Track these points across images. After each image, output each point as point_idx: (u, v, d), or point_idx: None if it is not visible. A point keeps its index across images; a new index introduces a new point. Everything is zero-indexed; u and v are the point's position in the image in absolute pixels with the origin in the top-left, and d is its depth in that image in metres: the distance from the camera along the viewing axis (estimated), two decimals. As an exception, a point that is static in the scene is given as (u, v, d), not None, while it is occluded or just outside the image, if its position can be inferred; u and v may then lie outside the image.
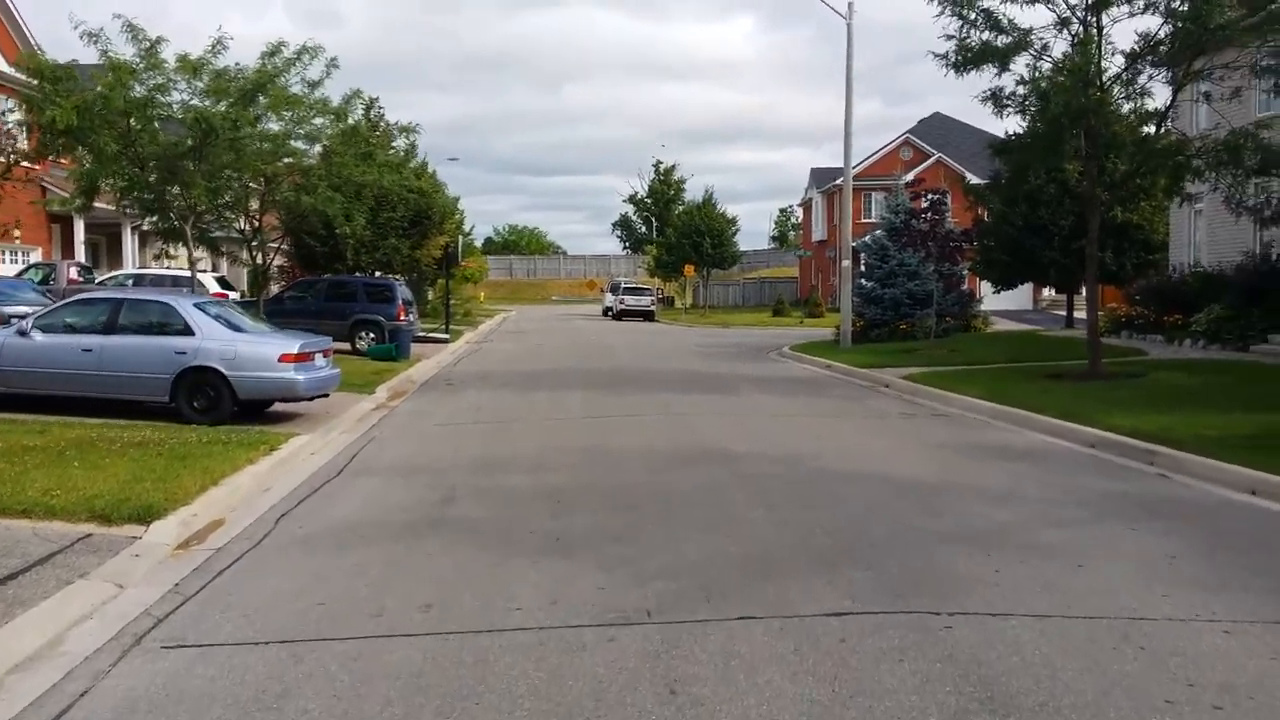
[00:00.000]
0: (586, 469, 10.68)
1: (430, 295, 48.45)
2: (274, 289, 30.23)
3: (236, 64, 19.00)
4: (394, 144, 39.60)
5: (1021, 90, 18.41)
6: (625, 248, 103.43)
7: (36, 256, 32.35)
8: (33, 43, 26.10)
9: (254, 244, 23.54)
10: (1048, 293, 57.08)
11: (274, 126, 21.31)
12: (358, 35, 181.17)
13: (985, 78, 18.55)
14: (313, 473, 10.76)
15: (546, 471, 10.58)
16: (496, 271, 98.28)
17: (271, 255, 24.55)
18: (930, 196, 26.51)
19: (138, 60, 17.94)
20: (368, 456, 11.77)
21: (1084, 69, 16.88)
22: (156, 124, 18.79)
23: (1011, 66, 18.36)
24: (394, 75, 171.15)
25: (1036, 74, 17.85)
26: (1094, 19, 17.82)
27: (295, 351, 13.48)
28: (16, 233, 31.43)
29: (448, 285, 37.53)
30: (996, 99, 18.63)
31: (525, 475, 10.39)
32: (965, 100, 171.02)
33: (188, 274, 30.97)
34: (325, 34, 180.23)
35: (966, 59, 18.39)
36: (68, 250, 33.71)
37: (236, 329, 13.89)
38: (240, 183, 21.79)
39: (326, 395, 14.75)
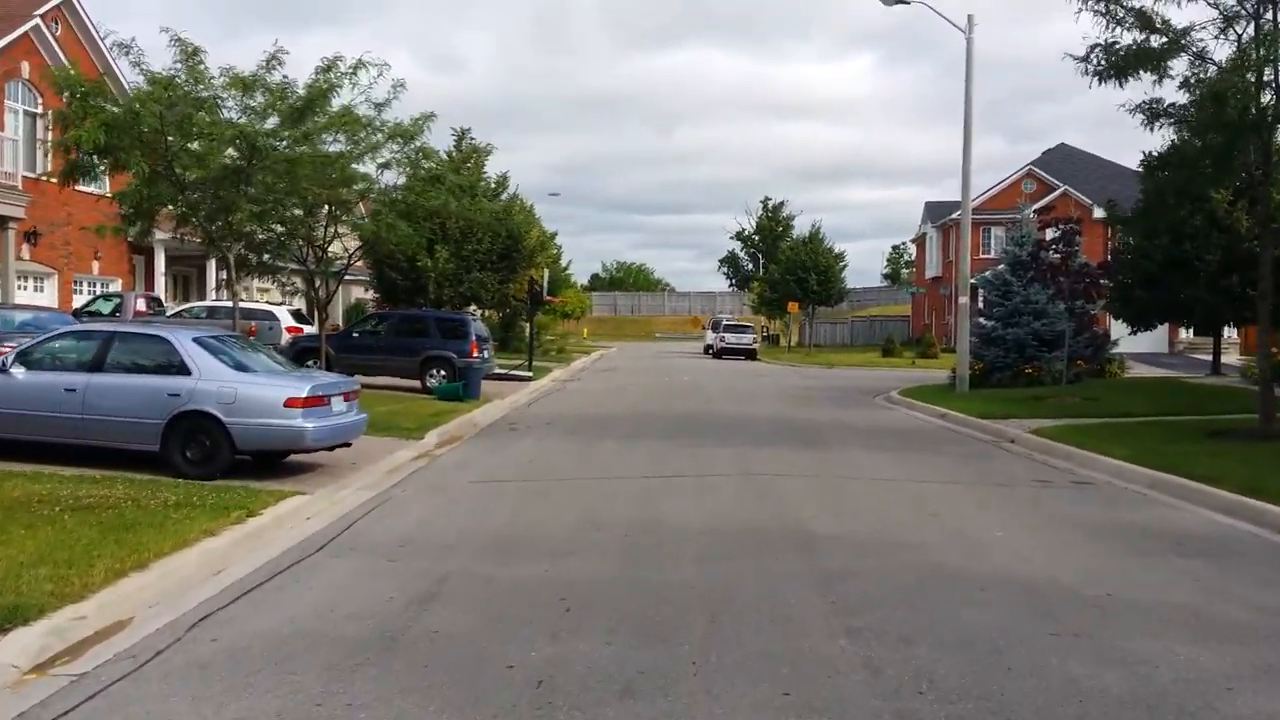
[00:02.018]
0: (623, 556, 8.28)
1: (527, 331, 46.93)
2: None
3: (284, 77, 17.31)
4: (485, 175, 38.36)
5: (1183, 98, 15.52)
6: (731, 284, 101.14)
7: (116, 288, 31.58)
8: (111, 61, 25.07)
9: (316, 274, 21.87)
10: (1185, 335, 52.70)
11: (334, 148, 19.69)
12: (479, 79, 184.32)
13: (1131, 87, 15.79)
14: (287, 549, 8.63)
15: (572, 557, 8.23)
16: (601, 307, 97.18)
17: (335, 286, 22.82)
18: (1062, 226, 23.48)
19: (177, 73, 16.37)
20: (366, 527, 9.60)
21: (1262, 67, 13.96)
22: (196, 144, 17.19)
23: (1169, 71, 15.54)
24: (514, 117, 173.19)
25: (1201, 77, 14.96)
26: (1271, 14, 14.90)
27: (304, 395, 11.45)
28: (94, 263, 30.91)
29: (531, 321, 35.64)
30: (1151, 110, 15.79)
31: (544, 562, 8.06)
32: (1092, 135, 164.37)
33: (266, 307, 30.04)
34: (449, 79, 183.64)
35: (1115, 63, 15.62)
36: (151, 283, 32.98)
37: (242, 369, 11.95)
38: (295, 208, 20.16)
39: (348, 445, 12.71)
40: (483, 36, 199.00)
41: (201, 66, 16.78)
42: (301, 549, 8.64)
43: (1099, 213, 45.82)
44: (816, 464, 13.92)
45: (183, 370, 11.55)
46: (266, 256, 21.26)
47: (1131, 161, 54.01)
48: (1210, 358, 40.93)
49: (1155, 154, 19.15)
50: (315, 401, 11.63)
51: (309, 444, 11.61)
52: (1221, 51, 15.79)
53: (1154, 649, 5.97)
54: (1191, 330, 52.22)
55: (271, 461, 12.26)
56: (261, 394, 11.49)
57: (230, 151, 17.31)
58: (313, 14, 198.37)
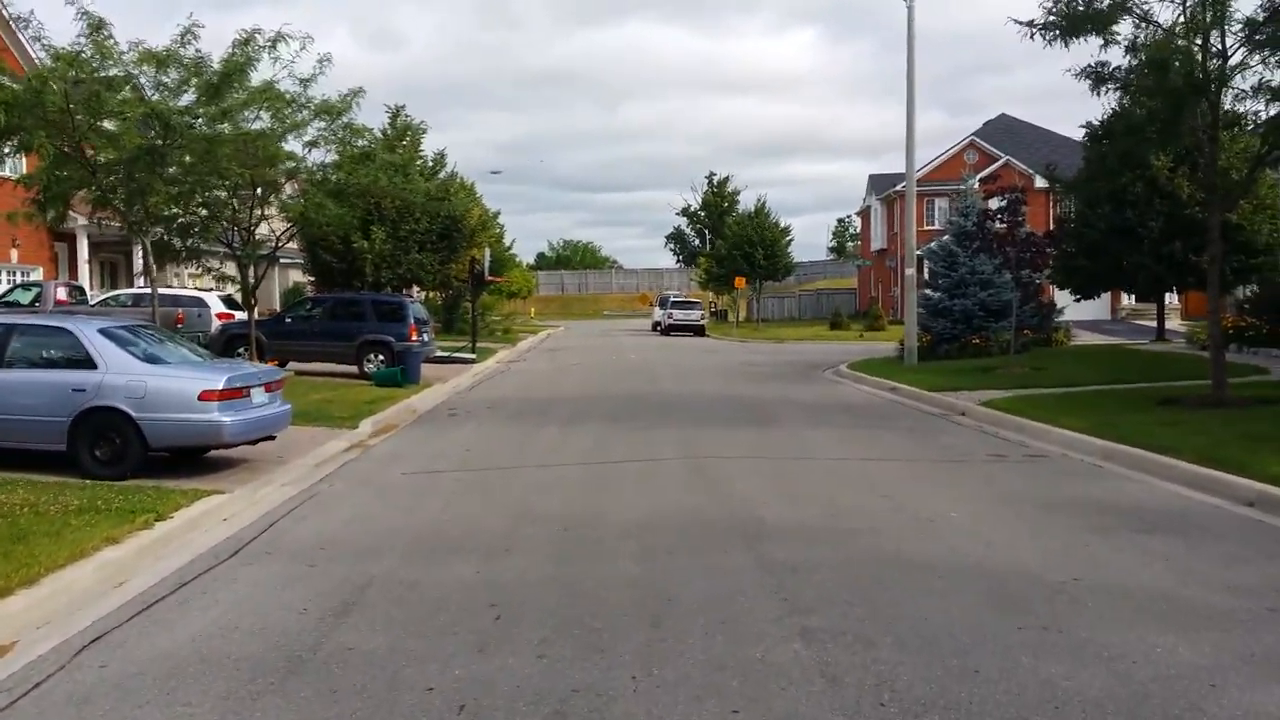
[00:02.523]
0: (561, 553, 7.72)
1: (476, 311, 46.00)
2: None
3: (196, 51, 16.36)
4: (421, 153, 37.38)
5: (1129, 61, 15.19)
6: (678, 261, 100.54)
7: (38, 276, 30.24)
8: (19, 35, 23.78)
9: (243, 258, 20.95)
10: (1128, 302, 53.19)
11: (257, 126, 18.80)
12: (420, 56, 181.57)
13: (1076, 52, 15.47)
14: (198, 555, 7.97)
15: (506, 556, 7.66)
16: (548, 287, 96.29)
17: (264, 270, 21.91)
18: (1007, 195, 23.21)
19: (82, 47, 15.37)
20: (287, 527, 8.95)
21: (1209, 30, 13.65)
22: (109, 123, 16.22)
23: (1115, 35, 15.21)
24: (457, 95, 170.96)
25: (1147, 40, 14.63)
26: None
27: (220, 387, 10.73)
28: (13, 251, 29.56)
29: (474, 302, 34.82)
30: (1097, 75, 15.44)
31: (476, 562, 7.49)
32: (1032, 108, 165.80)
33: (194, 294, 28.91)
34: (389, 57, 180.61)
35: (1059, 23, 15.25)
36: (74, 271, 31.65)
37: (153, 360, 11.19)
38: (218, 190, 19.25)
39: (272, 438, 12.01)
40: (423, 13, 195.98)
41: (110, 41, 15.80)
42: (214, 555, 7.99)
43: (1040, 182, 46.03)
44: (766, 444, 13.46)
45: (88, 364, 10.78)
46: (190, 241, 20.37)
47: (1072, 132, 54.26)
48: (1153, 324, 41.28)
49: (1100, 121, 18.90)
50: (233, 394, 10.92)
51: (227, 439, 10.90)
52: (1166, 14, 15.52)
53: (1129, 641, 5.55)
54: (1134, 297, 52.78)
55: (190, 459, 11.55)
56: (174, 387, 10.75)
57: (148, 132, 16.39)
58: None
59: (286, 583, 7.10)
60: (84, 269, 31.28)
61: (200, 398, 10.69)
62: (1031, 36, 15.77)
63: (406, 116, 36.76)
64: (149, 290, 29.44)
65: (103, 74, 16.16)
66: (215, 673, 5.35)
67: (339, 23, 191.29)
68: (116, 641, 5.92)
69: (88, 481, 10.15)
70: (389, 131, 36.54)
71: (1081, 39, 15.43)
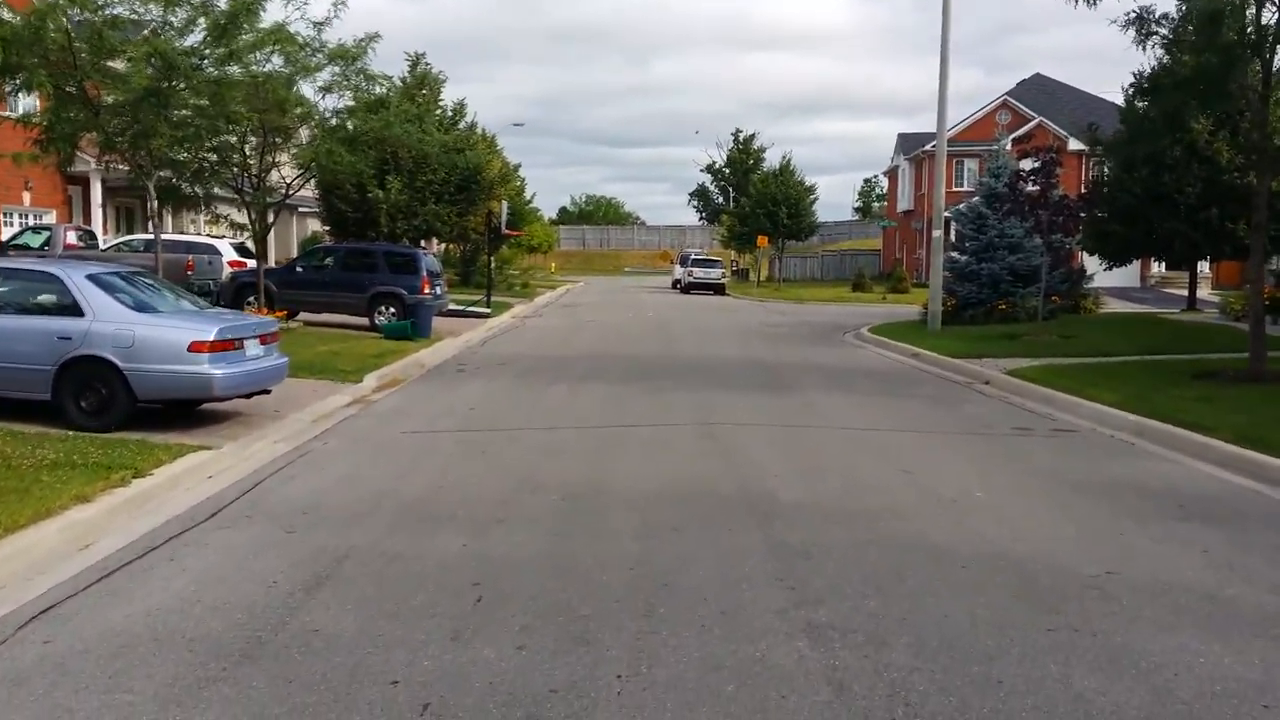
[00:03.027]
0: (557, 527, 7.24)
1: (492, 265, 45.45)
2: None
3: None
4: (441, 103, 36.68)
5: (1175, 11, 14.39)
6: (701, 218, 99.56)
7: (51, 220, 29.89)
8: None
9: (252, 205, 20.46)
10: (1157, 269, 52.10)
11: (269, 70, 18.24)
12: (450, 7, 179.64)
13: (1107, 9, 14.69)
14: (175, 516, 7.55)
15: (498, 528, 7.18)
16: (569, 242, 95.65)
17: (273, 218, 21.41)
18: (1041, 156, 22.38)
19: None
20: (273, 487, 8.51)
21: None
22: (118, 63, 15.69)
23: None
24: (484, 49, 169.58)
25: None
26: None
27: (211, 338, 10.26)
28: (25, 194, 29.18)
29: (489, 255, 34.25)
30: (1141, 22, 14.63)
31: (465, 534, 7.02)
32: (1068, 68, 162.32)
33: (207, 241, 28.47)
34: (416, 8, 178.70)
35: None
36: (88, 216, 31.27)
37: (144, 309, 10.72)
38: (228, 134, 18.72)
39: (267, 392, 11.56)
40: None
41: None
42: (190, 516, 7.56)
43: (1075, 145, 44.85)
44: (783, 411, 12.92)
45: (75, 311, 10.33)
46: (199, 186, 19.89)
47: (1109, 94, 52.96)
48: (1183, 293, 40.27)
49: (1144, 75, 18.05)
50: (224, 345, 10.45)
51: (217, 392, 10.45)
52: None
53: (1169, 649, 5.03)
54: (1164, 265, 51.63)
55: (183, 412, 11.13)
56: (163, 337, 10.29)
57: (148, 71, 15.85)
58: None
59: (261, 550, 6.66)
60: (97, 213, 30.91)
61: (190, 349, 10.22)
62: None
63: (426, 65, 36.03)
64: (165, 236, 29.20)
65: (108, 10, 15.62)
66: (166, 653, 4.91)
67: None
68: (67, 614, 5.49)
69: (70, 433, 9.74)
70: (408, 80, 35.86)
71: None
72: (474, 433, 11.26)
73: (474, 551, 6.61)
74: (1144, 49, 14.99)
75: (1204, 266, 41.98)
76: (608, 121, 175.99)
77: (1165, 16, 14.43)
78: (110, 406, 10.18)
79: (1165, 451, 10.56)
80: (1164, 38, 14.54)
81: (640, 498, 8.06)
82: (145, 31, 15.80)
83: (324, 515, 7.58)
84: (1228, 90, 14.00)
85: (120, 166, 19.74)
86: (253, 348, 11.01)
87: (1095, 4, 15.02)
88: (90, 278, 10.63)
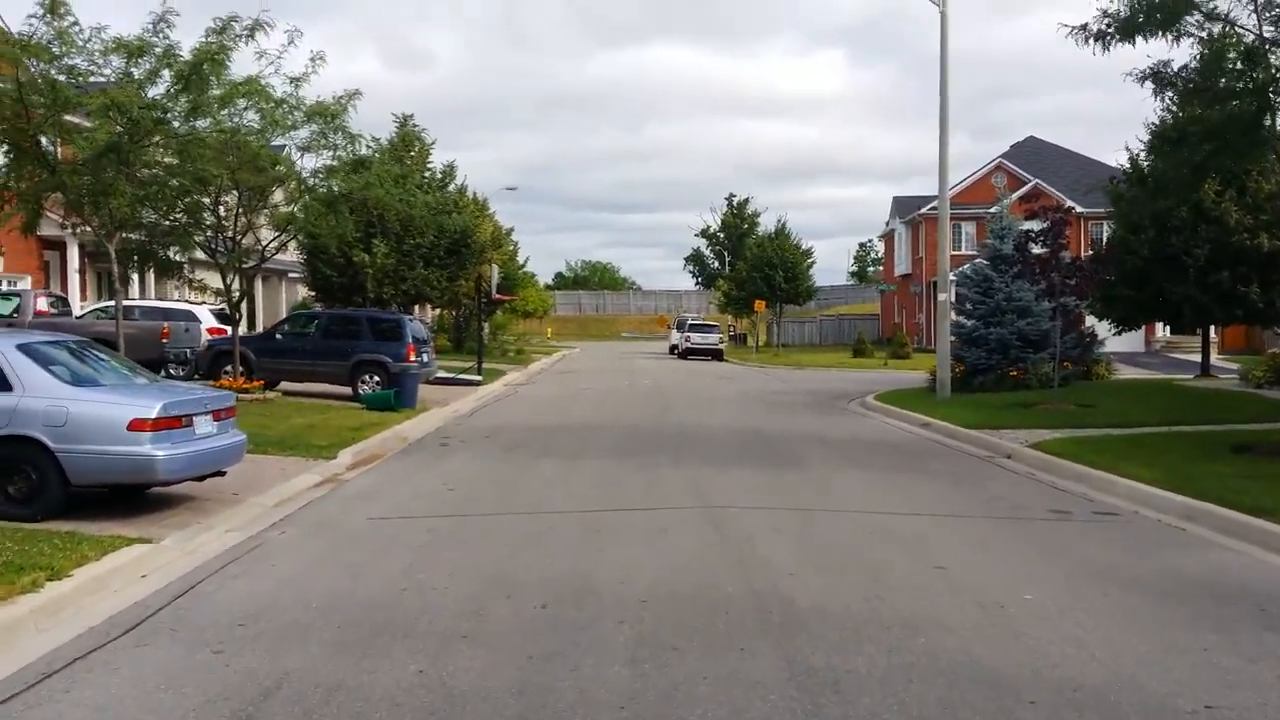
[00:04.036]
0: (533, 645, 6.06)
1: (485, 331, 44.47)
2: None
3: (166, 38, 14.90)
4: (430, 164, 36.02)
5: (1195, 60, 13.60)
6: (697, 283, 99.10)
7: (26, 285, 28.89)
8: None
9: (226, 267, 19.47)
10: (1162, 333, 51.27)
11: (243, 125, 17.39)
12: (447, 76, 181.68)
13: (1118, 58, 14.00)
14: (90, 628, 6.44)
15: (464, 646, 6.01)
16: (565, 307, 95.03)
17: (248, 282, 20.42)
18: (1050, 216, 21.51)
19: (36, 30, 13.94)
20: (211, 591, 7.35)
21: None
22: (77, 116, 14.81)
23: (1180, 30, 13.62)
24: (481, 116, 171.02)
25: (1222, 34, 13.01)
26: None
27: (154, 416, 9.16)
28: (-4, 260, 28.21)
29: (479, 320, 33.26)
30: (1159, 77, 13.84)
31: (424, 654, 5.85)
32: (1058, 131, 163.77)
33: (185, 307, 27.42)
34: (417, 76, 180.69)
35: (1119, 25, 13.68)
36: (64, 281, 30.28)
37: (81, 382, 9.63)
38: (200, 194, 17.81)
39: (221, 474, 10.43)
40: (448, 34, 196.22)
41: (74, 26, 14.38)
42: (106, 630, 6.42)
43: (1069, 204, 44.25)
44: (791, 491, 11.77)
45: (3, 384, 9.23)
46: (170, 249, 18.93)
47: (1103, 157, 52.68)
48: (1190, 357, 39.35)
49: (1168, 126, 17.14)
50: (170, 423, 9.34)
51: (160, 477, 9.32)
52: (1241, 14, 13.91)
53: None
54: (1169, 329, 50.82)
55: (130, 496, 9.98)
56: (100, 414, 9.18)
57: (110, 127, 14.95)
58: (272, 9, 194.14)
59: (176, 678, 5.50)
60: (74, 279, 29.91)
61: (130, 427, 9.11)
62: (1087, 41, 14.37)
63: (414, 126, 35.38)
64: (140, 302, 28.16)
65: (65, 60, 14.77)
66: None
67: (364, 40, 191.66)
68: (-92, 779, 4.32)
69: (-4, 524, 8.61)
70: (395, 142, 35.19)
71: (1141, 38, 13.91)
72: (449, 519, 10.11)
73: (432, 680, 5.44)
74: (1161, 99, 14.23)
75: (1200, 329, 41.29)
76: (602, 187, 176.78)
77: (1184, 68, 13.65)
78: (40, 493, 9.06)
79: (1224, 539, 9.42)
80: (1182, 87, 13.73)
81: (633, 604, 6.89)
82: (106, 83, 14.93)
83: (261, 629, 6.42)
84: (1261, 136, 13.10)
85: (85, 228, 18.82)
86: (204, 425, 9.90)
87: (1110, 48, 14.32)
88: (21, 348, 9.55)
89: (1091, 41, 14.34)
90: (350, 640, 6.16)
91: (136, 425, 9.11)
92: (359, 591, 7.24)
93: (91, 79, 14.83)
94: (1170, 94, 14.32)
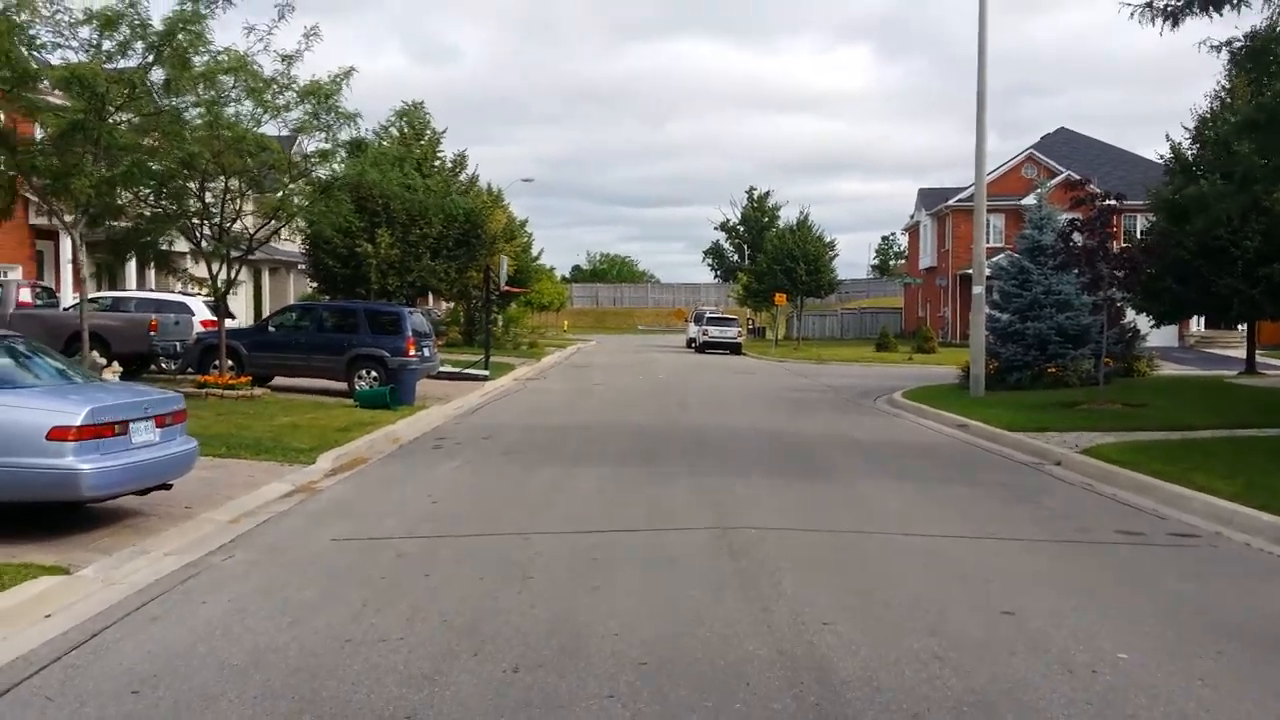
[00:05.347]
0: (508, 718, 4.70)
1: (501, 322, 43.14)
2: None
3: (141, 8, 13.59)
4: (440, 154, 34.73)
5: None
6: (716, 276, 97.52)
7: (16, 275, 27.72)
8: None
9: (210, 256, 18.20)
10: (1196, 328, 49.54)
11: (232, 108, 16.11)
12: (472, 71, 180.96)
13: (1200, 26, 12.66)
14: (-65, 702, 5.06)
15: (407, 731, 4.65)
16: (581, 299, 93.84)
17: (235, 271, 19.14)
18: (1098, 204, 19.97)
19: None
20: (114, 641, 6.01)
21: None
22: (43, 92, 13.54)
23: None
24: (504, 110, 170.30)
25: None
26: None
27: (77, 423, 7.84)
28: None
29: (486, 313, 31.90)
30: (1250, 48, 12.44)
31: (353, 743, 4.49)
32: (1087, 130, 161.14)
33: (178, 299, 26.20)
34: (442, 71, 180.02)
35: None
36: (57, 271, 29.14)
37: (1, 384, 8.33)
38: (186, 179, 16.53)
39: (166, 488, 9.11)
40: (472, 29, 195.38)
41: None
42: (-36, 701, 5.07)
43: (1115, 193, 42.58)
44: (820, 507, 10.35)
45: (-99, 386, 7.94)
46: (149, 236, 17.68)
47: (1135, 146, 50.77)
48: (1227, 352, 37.60)
49: (1258, 105, 15.51)
50: (99, 431, 8.02)
51: (86, 493, 8.01)
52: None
53: None
54: (1204, 323, 49.03)
55: (62, 513, 8.68)
56: (15, 420, 7.87)
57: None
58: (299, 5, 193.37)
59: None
60: (67, 269, 28.74)
61: (50, 436, 7.80)
62: (1153, 20, 13.20)
63: (425, 114, 34.05)
64: (133, 294, 26.94)
65: (28, 31, 13.50)
66: None
67: (389, 35, 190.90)
68: None
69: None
70: (405, 131, 33.87)
71: (1216, 11, 12.60)
72: (424, 540, 8.74)
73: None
74: (1237, 75, 12.80)
75: (1243, 325, 39.70)
76: (623, 181, 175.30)
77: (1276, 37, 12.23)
78: (-54, 511, 7.76)
79: (1334, 571, 7.96)
80: (1272, 63, 12.29)
81: (628, 667, 5.50)
82: (73, 57, 13.67)
83: (158, 698, 5.08)
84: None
85: (68, 215, 17.60)
86: (143, 432, 8.57)
87: (1178, 25, 13.09)
88: (-67, 345, 8.26)
89: (1159, 20, 13.19)
90: (268, 714, 4.80)
91: (57, 434, 7.79)
92: (292, 645, 5.87)
93: (58, 50, 13.56)
94: (1250, 67, 12.86)
